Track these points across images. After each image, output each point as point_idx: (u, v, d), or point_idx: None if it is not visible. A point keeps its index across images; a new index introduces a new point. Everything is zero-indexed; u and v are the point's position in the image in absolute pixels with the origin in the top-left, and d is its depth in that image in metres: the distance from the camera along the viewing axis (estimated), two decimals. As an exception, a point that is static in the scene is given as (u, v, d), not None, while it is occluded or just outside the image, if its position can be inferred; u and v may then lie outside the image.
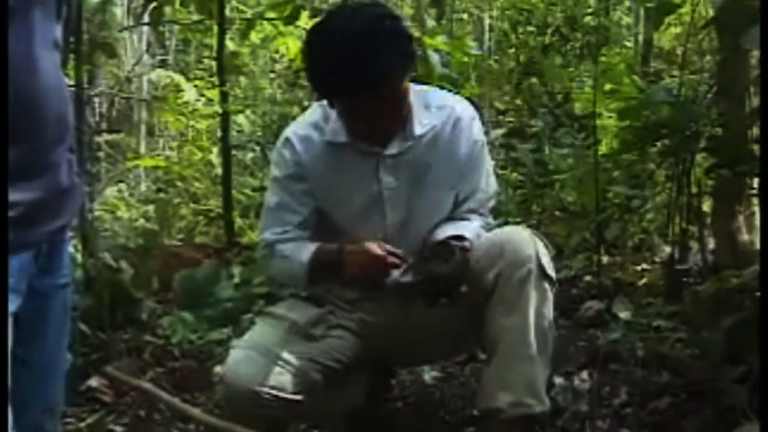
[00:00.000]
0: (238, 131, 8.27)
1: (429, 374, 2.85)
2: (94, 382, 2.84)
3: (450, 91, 2.56)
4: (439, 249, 2.03)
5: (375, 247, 2.04)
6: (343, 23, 1.95)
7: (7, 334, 1.28)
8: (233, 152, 6.49)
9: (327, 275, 2.14)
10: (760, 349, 1.48)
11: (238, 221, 6.05)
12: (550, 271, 2.03)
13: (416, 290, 2.07)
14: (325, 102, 2.08)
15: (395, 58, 1.93)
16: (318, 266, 2.12)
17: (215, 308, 3.68)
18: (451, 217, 2.21)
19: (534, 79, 6.49)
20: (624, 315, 3.04)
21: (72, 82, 3.95)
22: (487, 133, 4.50)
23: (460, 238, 2.06)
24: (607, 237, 3.96)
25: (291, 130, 2.20)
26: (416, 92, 2.14)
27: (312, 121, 2.17)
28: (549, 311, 2.03)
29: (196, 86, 7.64)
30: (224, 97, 5.46)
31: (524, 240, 2.03)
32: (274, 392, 1.96)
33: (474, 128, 2.22)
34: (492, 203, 2.33)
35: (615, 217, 4.00)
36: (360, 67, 1.87)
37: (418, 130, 2.11)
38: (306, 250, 2.14)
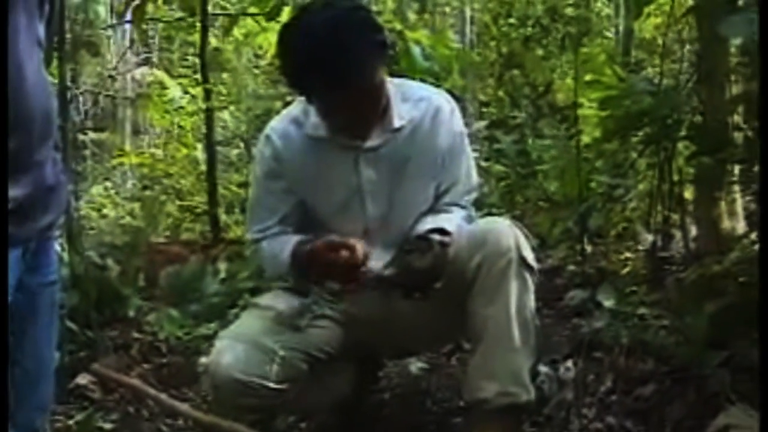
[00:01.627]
0: (223, 127, 8.27)
1: (415, 365, 2.85)
2: (82, 379, 2.82)
3: (433, 84, 2.56)
4: (419, 243, 2.02)
5: (342, 243, 2.01)
6: (313, 18, 1.93)
7: (7, 333, 1.28)
8: (218, 148, 6.49)
9: (309, 268, 2.12)
10: (760, 347, 1.48)
11: (224, 217, 6.05)
12: (531, 261, 2.02)
13: (393, 283, 2.08)
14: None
15: (367, 49, 1.91)
16: (297, 261, 2.10)
17: (201, 304, 3.68)
18: (433, 210, 2.20)
19: (516, 71, 6.49)
20: (608, 303, 3.04)
21: (56, 81, 3.92)
22: (469, 125, 4.51)
23: (441, 231, 2.06)
24: (590, 226, 3.95)
25: (271, 127, 2.19)
26: (395, 85, 2.14)
27: (292, 116, 2.16)
28: (531, 301, 2.02)
29: (180, 83, 7.64)
30: (208, 93, 5.45)
31: (504, 231, 2.02)
32: (258, 381, 1.96)
33: (454, 120, 2.21)
34: (474, 195, 2.32)
35: (598, 207, 4.00)
36: (332, 60, 1.85)
37: (397, 122, 2.10)
38: (288, 245, 2.12)
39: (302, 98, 2.09)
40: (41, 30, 1.40)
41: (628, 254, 3.97)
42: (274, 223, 2.17)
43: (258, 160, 2.22)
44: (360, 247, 1.99)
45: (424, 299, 2.08)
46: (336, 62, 1.85)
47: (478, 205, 2.44)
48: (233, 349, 1.99)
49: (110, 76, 8.90)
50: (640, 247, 3.99)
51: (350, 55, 1.86)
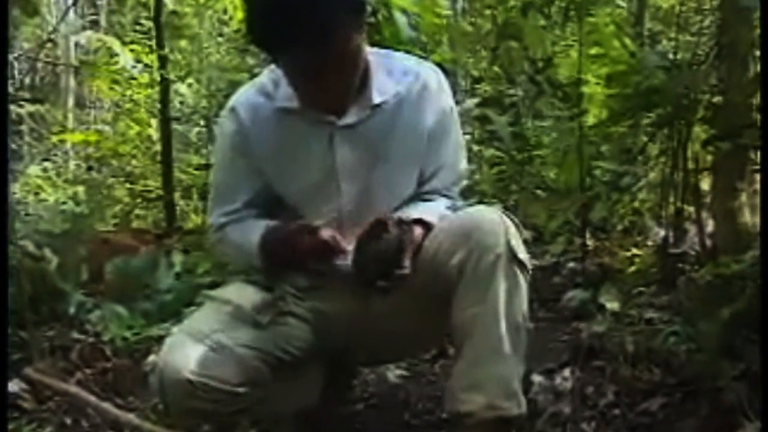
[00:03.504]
0: (181, 102, 8.23)
1: (394, 372, 2.86)
2: (13, 386, 2.80)
3: (418, 56, 2.54)
4: (375, 227, 2.01)
5: (320, 230, 2.02)
6: None
7: (7, 332, 1.27)
8: (175, 126, 6.46)
9: (279, 257, 2.12)
10: (761, 347, 1.49)
11: (180, 204, 6.04)
12: (522, 255, 1.99)
13: (355, 272, 2.06)
14: (274, 66, 2.05)
15: (340, 8, 1.89)
16: (268, 246, 2.10)
17: (153, 301, 3.67)
18: (415, 197, 2.19)
19: (513, 43, 6.48)
20: (611, 305, 3.06)
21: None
22: (459, 102, 4.50)
23: (421, 222, 2.05)
24: (592, 218, 3.97)
25: (236, 99, 2.18)
26: (377, 56, 2.13)
27: (260, 87, 2.15)
28: (522, 301, 1.99)
29: (131, 50, 7.57)
30: (164, 62, 5.42)
31: (492, 221, 1.99)
32: (212, 383, 1.93)
33: (442, 97, 2.20)
34: (461, 183, 2.32)
35: (602, 197, 4.01)
36: (302, 16, 1.83)
37: (378, 97, 2.09)
38: (256, 230, 2.12)
39: (273, 67, 2.08)
40: None
41: (635, 250, 4.00)
42: (240, 206, 2.17)
43: (221, 135, 2.21)
44: (338, 235, 2.02)
45: (389, 290, 2.05)
46: (307, 18, 1.83)
47: (467, 193, 2.44)
48: (185, 346, 1.96)
49: (50, 40, 8.82)
50: (649, 243, 4.01)
51: (321, 13, 1.84)
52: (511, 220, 2.03)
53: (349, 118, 2.08)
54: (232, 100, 2.18)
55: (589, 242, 3.87)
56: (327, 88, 1.97)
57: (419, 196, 2.20)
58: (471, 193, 4.21)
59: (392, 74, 2.14)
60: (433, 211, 2.12)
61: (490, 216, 2.02)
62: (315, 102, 2.02)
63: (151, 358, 2.06)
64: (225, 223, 2.19)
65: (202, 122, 7.88)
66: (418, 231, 2.05)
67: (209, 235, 2.31)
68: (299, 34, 1.84)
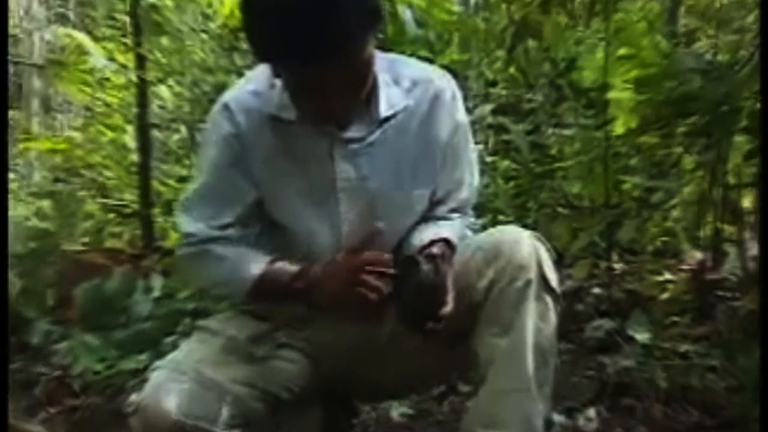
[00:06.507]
0: (160, 106, 8.21)
1: (397, 410, 2.86)
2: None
3: (425, 58, 2.55)
4: (407, 266, 1.98)
5: (357, 259, 1.97)
6: None
7: (8, 333, 1.28)
8: (153, 133, 6.47)
9: (279, 300, 2.11)
10: (761, 351, 1.51)
11: (159, 220, 6.02)
12: (554, 282, 2.00)
13: (398, 319, 2.00)
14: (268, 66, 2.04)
15: (356, 13, 1.83)
16: (269, 288, 2.08)
17: (129, 330, 3.66)
18: (427, 219, 2.19)
19: (531, 42, 6.50)
20: (641, 337, 3.06)
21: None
22: (471, 109, 4.51)
23: (445, 242, 2.05)
24: (620, 239, 3.97)
25: (229, 97, 2.15)
26: (383, 62, 2.10)
27: (252, 88, 2.13)
28: (552, 332, 2.00)
29: (104, 48, 7.58)
30: (141, 62, 5.44)
31: (522, 243, 2.00)
32: (204, 425, 1.93)
33: (456, 109, 2.20)
34: (474, 200, 2.33)
35: (631, 215, 4.01)
36: (312, 26, 1.78)
37: (385, 110, 2.09)
38: (253, 263, 2.10)
39: (267, 67, 2.05)
40: None
41: (668, 275, 3.99)
42: (232, 221, 2.14)
43: (211, 136, 2.17)
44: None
45: (436, 333, 1.98)
46: (318, 28, 1.78)
47: (479, 210, 2.44)
48: (174, 383, 1.95)
49: (13, 37, 8.84)
50: (684, 267, 4.00)
51: (338, 21, 1.79)
52: (541, 242, 2.04)
53: (354, 132, 2.07)
54: (225, 98, 2.15)
55: (616, 266, 3.87)
56: (334, 102, 1.93)
57: (432, 218, 2.20)
58: (483, 211, 4.21)
59: (401, 83, 2.14)
60: (454, 231, 2.13)
61: (520, 237, 2.03)
62: (317, 114, 1.99)
63: (133, 397, 2.04)
64: (212, 237, 2.14)
65: (183, 129, 7.87)
66: (445, 251, 2.03)
67: (181, 246, 2.22)
68: (309, 48, 1.80)
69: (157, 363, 2.09)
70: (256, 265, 2.08)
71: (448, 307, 1.96)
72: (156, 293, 3.96)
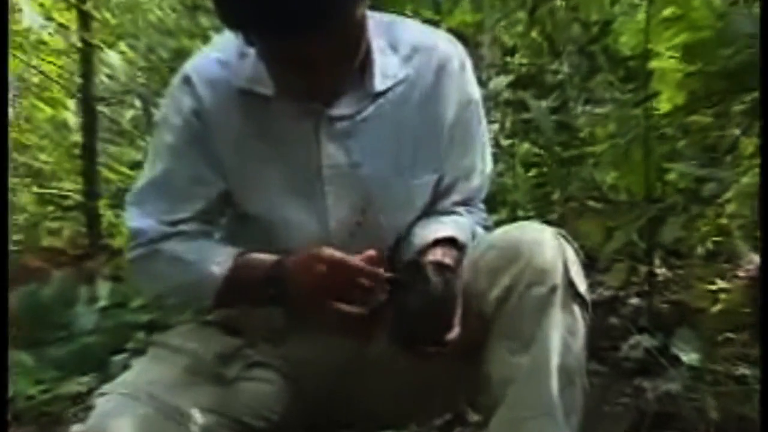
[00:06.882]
0: (109, 76, 8.22)
1: (394, 444, 2.87)
2: None
3: (429, 20, 2.56)
4: (409, 273, 1.94)
5: (349, 257, 1.91)
6: None
7: (7, 333, 1.31)
8: (100, 109, 6.47)
9: (254, 301, 2.09)
10: (761, 348, 1.55)
11: (107, 214, 6.02)
12: (583, 289, 2.00)
13: (391, 338, 1.97)
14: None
15: None
16: (239, 285, 2.06)
17: (70, 346, 3.66)
18: (431, 212, 2.21)
19: (558, 1, 6.50)
20: (688, 357, 3.06)
21: None
22: (485, 82, 4.52)
23: (452, 243, 2.06)
24: (664, 239, 3.97)
25: (191, 67, 2.15)
26: (378, 25, 2.12)
27: (220, 56, 2.13)
28: (580, 349, 1.99)
29: (41, 5, 7.58)
30: (86, 22, 5.44)
31: (545, 242, 1.99)
32: None
33: (465, 81, 2.21)
34: (486, 191, 2.34)
35: (677, 210, 4.01)
36: None
37: (380, 83, 2.10)
38: (219, 257, 2.09)
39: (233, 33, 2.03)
40: None
41: (721, 283, 4.00)
42: (191, 215, 2.14)
43: (169, 113, 2.16)
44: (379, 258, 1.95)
45: (441, 356, 1.96)
46: None
47: (492, 203, 2.45)
48: (125, 411, 1.94)
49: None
50: (741, 273, 4.01)
51: None
52: (567, 241, 2.04)
53: (342, 108, 2.08)
54: (187, 69, 2.15)
55: (659, 271, 3.88)
56: (318, 74, 1.93)
57: (437, 212, 2.21)
58: (497, 204, 4.21)
59: (399, 51, 2.14)
60: (462, 228, 2.14)
61: (542, 235, 2.02)
62: (298, 91, 2.01)
63: (75, 428, 2.03)
64: (166, 234, 2.14)
65: (138, 104, 7.86)
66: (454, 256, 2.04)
67: (131, 247, 2.20)
68: (289, 14, 1.76)
69: (105, 387, 2.08)
70: (223, 259, 2.08)
71: (456, 331, 1.94)
72: (103, 302, 3.96)
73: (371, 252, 1.94)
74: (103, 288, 4.10)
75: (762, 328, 1.54)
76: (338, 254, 1.91)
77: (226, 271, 2.06)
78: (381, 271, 1.92)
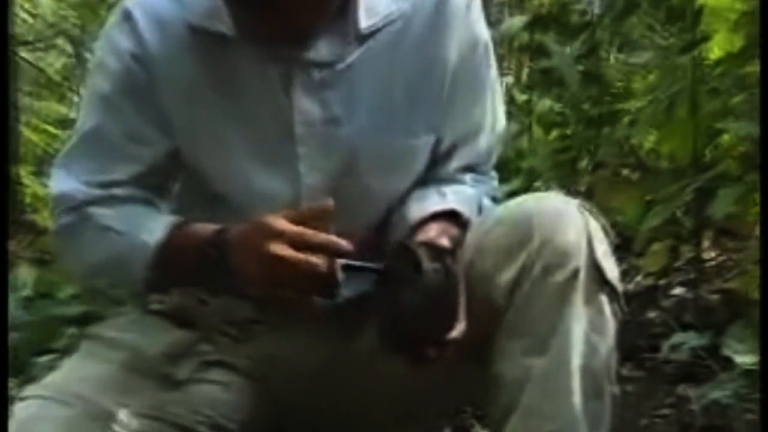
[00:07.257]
0: (32, 14, 8.21)
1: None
2: None
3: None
4: (395, 257, 1.90)
5: (306, 230, 1.83)
6: None
7: (7, 334, 1.33)
8: (21, 53, 6.46)
9: (192, 277, 2.08)
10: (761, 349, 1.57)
11: (31, 184, 6.02)
12: (613, 275, 1.96)
13: (379, 339, 1.92)
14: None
15: None
16: (175, 257, 2.03)
17: (-12, 344, 3.67)
18: (430, 180, 2.19)
19: None
20: (742, 359, 3.06)
21: None
22: (495, 23, 4.51)
23: (453, 217, 2.05)
24: (714, 216, 3.96)
25: (135, 0, 2.11)
26: None
27: None
28: (609, 347, 1.96)
29: None
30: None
31: (567, 216, 1.95)
32: None
33: (472, 20, 2.18)
34: (496, 154, 2.32)
35: (731, 180, 4.00)
36: None
37: (366, 21, 2.07)
38: (152, 225, 2.06)
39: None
40: None
41: (784, 270, 4.01)
42: (124, 178, 2.11)
43: (105, 58, 2.14)
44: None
45: (443, 359, 1.91)
46: None
47: (505, 172, 2.43)
48: (51, 417, 1.93)
49: None
50: (809, 259, 4.02)
51: None
52: (593, 216, 1.99)
53: (320, 53, 2.04)
54: (127, 2, 2.11)
55: (708, 255, 3.87)
56: (289, 15, 1.90)
57: (436, 180, 2.19)
58: (512, 173, 4.18)
59: None
60: (466, 199, 2.12)
61: (563, 208, 1.98)
62: (265, 33, 1.97)
63: None
64: (95, 198, 2.10)
65: (68, 47, 7.84)
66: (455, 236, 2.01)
67: (55, 216, 2.18)
68: None
69: (27, 390, 2.06)
70: (158, 226, 2.05)
71: (459, 328, 1.90)
72: (26, 291, 3.95)
73: (348, 229, 1.88)
74: (28, 275, 4.09)
75: (762, 329, 1.54)
76: (293, 226, 1.83)
77: (160, 240, 2.02)
78: (345, 244, 1.83)
